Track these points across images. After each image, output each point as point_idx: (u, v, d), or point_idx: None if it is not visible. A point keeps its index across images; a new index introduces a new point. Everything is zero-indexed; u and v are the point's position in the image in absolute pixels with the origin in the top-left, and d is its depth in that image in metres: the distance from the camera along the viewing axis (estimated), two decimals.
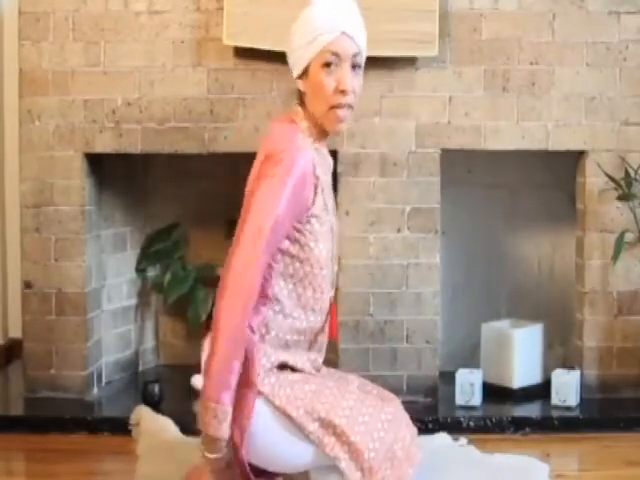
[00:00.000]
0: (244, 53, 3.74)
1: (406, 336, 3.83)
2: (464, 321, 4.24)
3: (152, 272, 4.31)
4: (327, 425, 2.40)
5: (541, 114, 3.81)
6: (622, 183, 3.79)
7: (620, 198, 3.81)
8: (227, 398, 2.33)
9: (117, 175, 4.15)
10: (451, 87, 3.80)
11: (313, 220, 2.44)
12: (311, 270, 2.46)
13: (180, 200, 4.35)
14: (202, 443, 2.37)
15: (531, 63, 3.80)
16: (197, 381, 3.93)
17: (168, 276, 4.21)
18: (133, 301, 4.31)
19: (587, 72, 3.81)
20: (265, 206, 2.36)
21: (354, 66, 2.46)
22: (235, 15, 3.67)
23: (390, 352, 3.82)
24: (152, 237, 4.30)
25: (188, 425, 3.53)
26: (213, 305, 4.27)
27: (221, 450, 2.36)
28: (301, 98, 2.52)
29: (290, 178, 2.37)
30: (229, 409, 2.33)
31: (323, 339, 2.59)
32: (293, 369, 2.49)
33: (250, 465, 2.44)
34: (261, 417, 2.40)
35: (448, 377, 3.86)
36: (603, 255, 3.85)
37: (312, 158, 2.43)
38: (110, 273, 4.16)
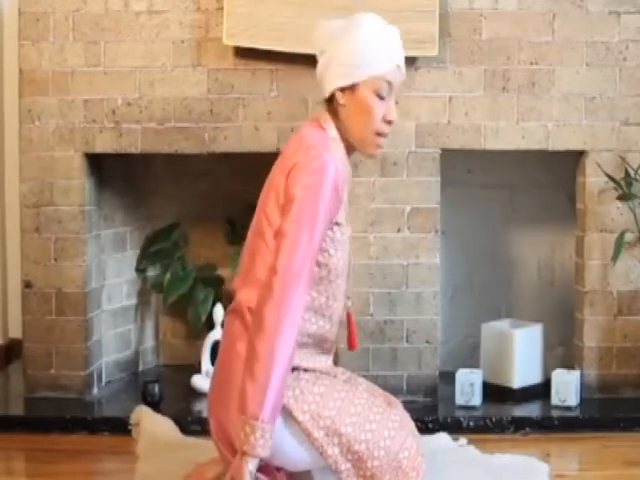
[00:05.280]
0: (244, 53, 3.75)
1: (406, 336, 3.83)
2: (464, 321, 4.24)
3: (152, 272, 4.31)
4: (332, 434, 2.41)
5: (541, 114, 3.81)
6: (622, 183, 3.79)
7: (620, 198, 3.81)
8: (275, 418, 2.32)
9: (117, 175, 4.15)
10: (451, 87, 3.80)
11: (336, 228, 2.47)
12: (327, 276, 2.47)
13: (180, 200, 4.35)
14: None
15: (531, 63, 3.80)
16: (197, 381, 3.95)
17: (168, 276, 4.21)
18: (133, 301, 4.31)
19: (587, 72, 3.81)
20: (308, 218, 2.38)
21: None
22: (235, 15, 3.67)
23: (390, 352, 3.82)
24: (152, 237, 4.30)
25: (188, 425, 3.54)
26: (214, 304, 4.28)
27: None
28: (333, 107, 2.54)
29: (326, 187, 2.39)
30: (274, 428, 2.32)
31: (331, 347, 2.60)
32: (304, 369, 2.49)
33: None
34: None
35: (448, 377, 3.86)
36: (603, 255, 3.85)
37: (339, 167, 2.46)
38: (110, 273, 4.16)
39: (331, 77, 2.51)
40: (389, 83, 2.50)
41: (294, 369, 2.45)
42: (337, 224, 2.46)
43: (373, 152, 2.57)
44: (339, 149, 2.52)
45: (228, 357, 2.48)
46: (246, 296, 2.46)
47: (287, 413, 2.41)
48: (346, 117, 2.52)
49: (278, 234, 2.39)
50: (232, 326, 2.50)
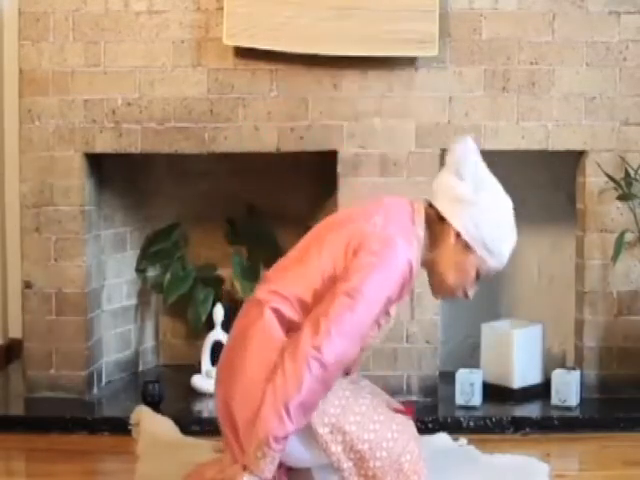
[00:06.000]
0: (244, 53, 3.74)
1: (406, 336, 3.83)
2: (464, 321, 4.23)
3: (152, 272, 4.30)
4: (337, 431, 2.43)
5: (541, 114, 3.81)
6: (622, 183, 3.79)
7: (620, 198, 3.81)
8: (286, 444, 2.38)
9: (117, 175, 4.15)
10: (451, 87, 3.80)
11: (384, 316, 2.54)
12: None
13: (180, 200, 4.35)
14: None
15: (531, 63, 3.80)
16: (197, 381, 3.94)
17: (168, 276, 4.20)
18: (133, 301, 4.31)
19: (587, 72, 3.81)
20: (373, 297, 2.45)
21: None
22: (235, 15, 3.67)
23: (390, 352, 3.82)
24: (152, 237, 4.30)
25: (188, 425, 3.54)
26: (214, 304, 4.27)
27: None
28: (437, 224, 2.59)
29: (395, 274, 2.47)
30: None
31: None
32: None
33: None
34: None
35: (448, 377, 3.86)
36: (603, 255, 3.85)
37: (414, 265, 2.52)
38: (110, 273, 4.16)
39: (461, 220, 2.56)
40: (488, 274, 2.63)
41: None
42: (387, 313, 2.53)
43: (438, 296, 2.71)
44: (418, 250, 2.56)
45: (237, 338, 2.53)
46: (271, 296, 2.51)
47: None
48: (444, 255, 2.59)
49: (340, 291, 2.43)
50: (250, 311, 2.55)
